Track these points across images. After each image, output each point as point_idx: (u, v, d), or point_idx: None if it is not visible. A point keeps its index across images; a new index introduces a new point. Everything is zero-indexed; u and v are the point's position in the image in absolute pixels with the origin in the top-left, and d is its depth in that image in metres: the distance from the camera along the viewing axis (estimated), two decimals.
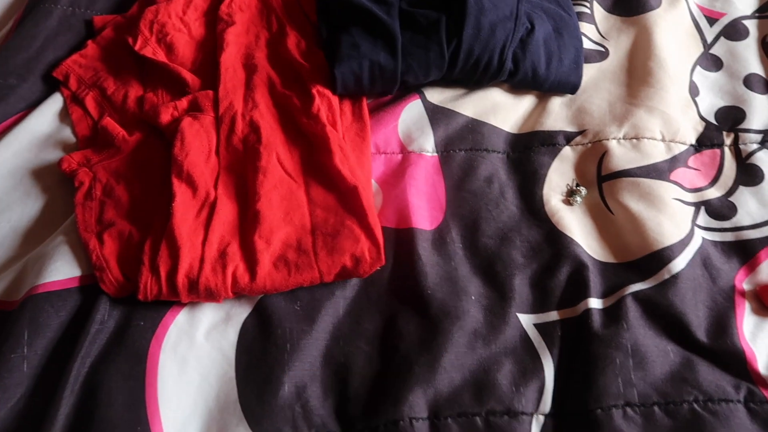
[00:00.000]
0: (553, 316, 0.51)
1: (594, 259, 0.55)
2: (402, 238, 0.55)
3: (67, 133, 0.62)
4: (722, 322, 0.51)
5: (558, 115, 0.63)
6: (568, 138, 0.61)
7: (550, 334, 0.50)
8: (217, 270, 0.50)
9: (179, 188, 0.53)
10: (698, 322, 0.50)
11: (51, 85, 0.65)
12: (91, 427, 0.46)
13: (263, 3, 0.68)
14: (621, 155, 0.59)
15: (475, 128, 0.61)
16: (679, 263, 0.52)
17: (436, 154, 0.60)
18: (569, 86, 0.63)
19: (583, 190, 0.58)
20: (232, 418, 0.48)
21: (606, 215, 0.57)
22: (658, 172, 0.58)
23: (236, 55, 0.63)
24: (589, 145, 0.61)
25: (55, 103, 0.63)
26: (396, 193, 0.57)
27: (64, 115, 0.63)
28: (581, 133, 0.62)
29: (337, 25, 0.62)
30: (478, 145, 0.60)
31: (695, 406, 0.48)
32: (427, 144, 0.60)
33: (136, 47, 0.63)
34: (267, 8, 0.67)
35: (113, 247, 0.52)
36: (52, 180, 0.59)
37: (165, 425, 0.47)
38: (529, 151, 0.61)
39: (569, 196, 0.58)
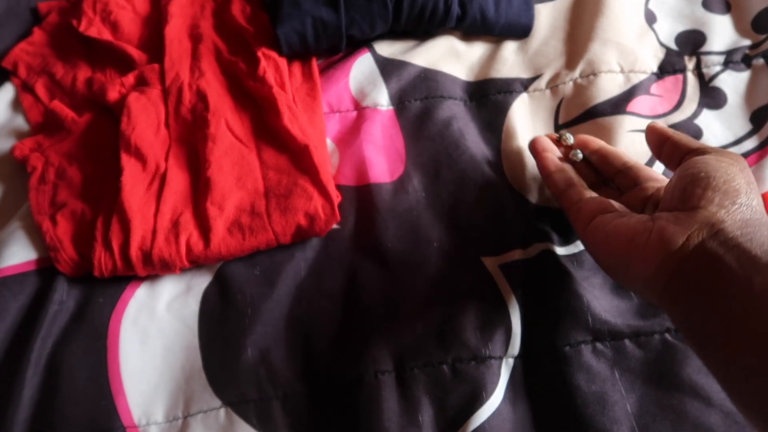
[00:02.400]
0: (516, 255, 0.50)
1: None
2: (361, 195, 0.54)
3: (20, 122, 0.62)
4: None
5: (513, 61, 0.61)
6: (525, 85, 0.60)
7: (514, 275, 0.49)
8: (170, 240, 0.49)
9: (128, 162, 0.53)
10: None
11: (1, 76, 0.64)
12: (55, 405, 0.46)
13: None
14: (577, 97, 0.58)
15: (428, 77, 0.59)
16: None
17: (391, 107, 0.59)
18: (521, 28, 0.61)
19: (569, 137, 0.55)
20: (197, 386, 0.47)
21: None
22: (614, 106, 0.56)
23: (181, 27, 0.62)
24: (547, 91, 0.59)
25: (6, 93, 0.63)
26: (352, 151, 0.56)
27: (16, 104, 0.62)
28: (538, 77, 0.60)
29: None
30: (433, 92, 0.59)
31: (666, 336, 0.47)
32: (381, 98, 0.59)
33: (81, 28, 0.62)
34: None
35: (67, 227, 0.52)
36: (8, 169, 0.59)
37: (129, 397, 0.46)
38: (486, 99, 0.59)
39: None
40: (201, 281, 0.51)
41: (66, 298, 0.50)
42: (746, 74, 0.58)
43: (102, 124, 0.58)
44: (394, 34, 0.61)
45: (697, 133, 0.55)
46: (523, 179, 0.54)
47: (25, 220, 0.54)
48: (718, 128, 0.55)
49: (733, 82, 0.58)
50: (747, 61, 0.59)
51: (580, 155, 0.52)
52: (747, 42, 0.60)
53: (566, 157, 0.52)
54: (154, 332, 0.49)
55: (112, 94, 0.57)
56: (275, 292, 0.50)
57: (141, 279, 0.51)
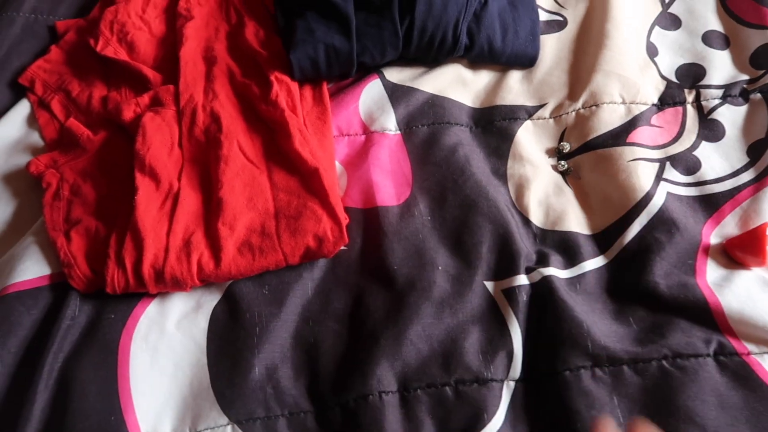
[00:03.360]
0: (518, 281, 0.51)
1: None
2: (368, 217, 0.56)
3: (36, 138, 0.63)
4: (686, 276, 0.51)
5: (518, 89, 0.63)
6: (530, 113, 0.62)
7: (515, 300, 0.50)
8: (182, 258, 0.51)
9: (142, 181, 0.54)
10: (661, 281, 0.50)
11: (18, 92, 0.66)
12: (66, 419, 0.46)
13: None
14: (580, 127, 0.60)
15: (435, 103, 0.61)
16: (634, 228, 0.53)
17: (398, 132, 0.60)
18: (527, 59, 0.63)
19: (564, 164, 0.58)
20: (205, 403, 0.48)
21: (569, 190, 0.58)
22: (615, 137, 0.58)
23: (196, 49, 0.63)
24: (551, 120, 0.61)
25: (22, 109, 0.64)
26: (360, 174, 0.58)
27: (32, 121, 0.64)
28: (542, 106, 0.62)
29: (294, 12, 0.62)
30: (440, 119, 0.61)
31: (664, 363, 0.48)
32: (389, 122, 0.60)
33: (98, 48, 0.64)
34: (225, 1, 0.68)
35: (81, 244, 0.53)
36: (23, 185, 0.60)
37: (138, 413, 0.47)
38: (491, 125, 0.61)
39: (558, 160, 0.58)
40: (210, 299, 0.53)
41: (78, 313, 0.51)
42: (744, 108, 0.60)
43: (116, 143, 0.59)
44: (404, 60, 0.63)
45: (696, 165, 0.57)
46: (528, 203, 0.56)
47: (39, 236, 0.55)
48: (717, 160, 0.57)
49: (731, 116, 0.59)
50: (745, 96, 0.60)
51: (567, 146, 0.54)
52: (745, 77, 0.61)
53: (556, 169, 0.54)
54: (163, 349, 0.50)
55: (128, 114, 0.59)
56: (283, 311, 0.51)
57: (152, 296, 0.53)
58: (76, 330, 0.50)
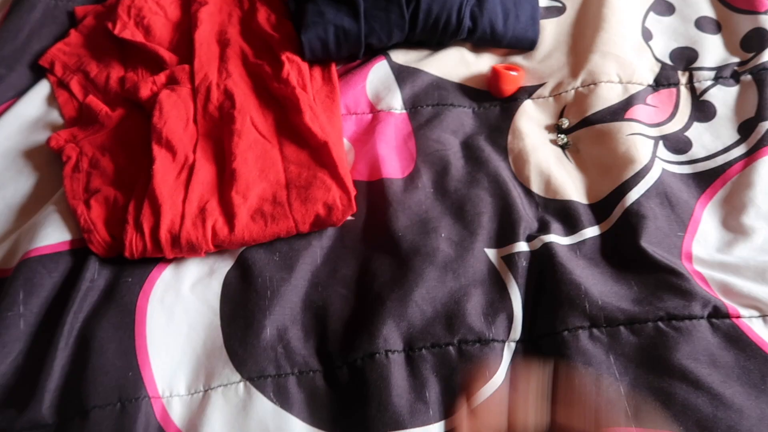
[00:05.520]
0: (518, 247, 0.53)
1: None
2: (374, 189, 0.58)
3: (55, 116, 0.66)
4: (677, 246, 0.53)
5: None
6: (530, 92, 0.64)
7: (515, 266, 0.53)
8: (198, 224, 0.53)
9: (159, 153, 0.56)
10: (651, 248, 0.52)
11: (38, 73, 0.68)
12: (85, 375, 0.49)
13: None
14: (579, 104, 0.62)
15: (440, 85, 0.64)
16: (632, 196, 0.55)
17: (404, 111, 0.63)
18: (527, 42, 0.66)
19: (563, 137, 0.60)
20: (218, 362, 0.50)
21: (568, 163, 0.60)
22: (613, 113, 0.60)
23: (210, 32, 0.66)
24: (550, 99, 0.64)
25: (42, 89, 0.67)
26: (367, 149, 0.60)
27: (52, 100, 0.67)
28: (541, 85, 0.64)
29: None
30: (444, 100, 0.63)
31: (659, 324, 0.49)
32: (395, 102, 0.63)
33: (116, 31, 0.67)
34: None
35: (100, 211, 0.55)
36: (43, 159, 0.63)
37: (155, 370, 0.50)
38: (493, 105, 0.64)
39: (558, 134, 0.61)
40: (223, 265, 0.55)
41: (97, 276, 0.53)
42: (735, 89, 0.62)
43: (133, 119, 0.62)
44: (410, 43, 0.66)
45: (687, 145, 0.60)
46: (529, 174, 0.58)
47: (59, 205, 0.57)
48: (708, 139, 0.60)
49: (722, 96, 0.62)
50: (736, 77, 0.63)
51: (566, 122, 0.58)
52: (736, 59, 0.64)
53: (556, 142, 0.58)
54: (179, 311, 0.52)
55: (144, 92, 0.62)
56: (293, 276, 0.53)
57: (167, 261, 0.55)
58: (96, 292, 0.53)
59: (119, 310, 0.52)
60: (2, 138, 0.63)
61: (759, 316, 0.49)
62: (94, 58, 0.67)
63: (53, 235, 0.55)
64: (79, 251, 0.55)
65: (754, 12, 0.66)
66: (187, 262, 0.55)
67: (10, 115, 0.65)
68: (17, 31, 0.69)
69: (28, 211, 0.60)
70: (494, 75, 0.63)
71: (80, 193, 0.57)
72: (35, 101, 0.66)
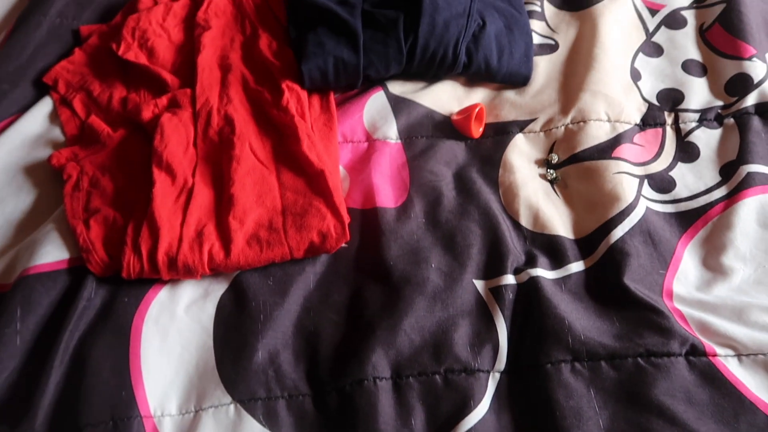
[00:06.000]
0: (505, 280, 0.55)
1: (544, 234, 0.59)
2: (367, 217, 0.60)
3: (57, 133, 0.67)
4: (659, 283, 0.55)
5: (511, 105, 0.68)
6: (521, 126, 0.66)
7: (502, 298, 0.54)
8: (195, 248, 0.54)
9: (159, 176, 0.58)
10: (633, 285, 0.54)
11: (41, 90, 0.70)
12: (79, 393, 0.50)
13: (237, 9, 0.73)
14: (568, 141, 0.64)
15: (434, 117, 0.66)
16: (617, 233, 0.57)
17: (399, 141, 0.65)
18: (520, 78, 0.68)
19: (552, 172, 0.63)
20: (210, 384, 0.52)
21: (556, 198, 0.62)
22: (601, 151, 0.63)
23: (212, 57, 0.68)
24: (541, 134, 0.66)
25: (45, 105, 0.68)
26: (362, 178, 0.62)
27: (54, 117, 0.68)
28: (533, 120, 0.67)
29: (305, 25, 0.67)
30: (438, 132, 0.65)
31: (639, 360, 0.51)
32: (391, 132, 0.65)
33: (120, 52, 0.68)
34: (241, 14, 0.73)
35: (99, 231, 0.56)
36: (43, 176, 0.64)
37: (148, 390, 0.51)
38: (486, 138, 0.66)
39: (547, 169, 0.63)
40: (218, 288, 0.56)
41: (94, 296, 0.55)
42: (718, 131, 0.65)
43: (134, 140, 0.63)
44: (406, 74, 0.68)
45: (671, 185, 0.62)
46: (518, 208, 0.60)
47: (59, 223, 0.59)
48: (691, 179, 0.62)
49: (706, 138, 0.64)
50: (719, 120, 0.66)
51: (556, 157, 0.60)
52: (720, 103, 0.67)
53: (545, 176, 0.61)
54: (173, 332, 0.53)
55: (146, 114, 0.63)
56: (286, 301, 0.55)
57: (163, 282, 0.56)
58: (92, 311, 0.54)
59: (115, 330, 0.53)
60: (4, 153, 0.64)
61: (734, 356, 0.51)
62: (97, 78, 0.69)
63: (52, 253, 0.56)
64: (76, 269, 0.56)
65: (739, 58, 0.68)
66: (183, 283, 0.56)
67: (13, 131, 0.66)
68: (22, 48, 0.71)
69: (27, 227, 0.61)
70: (456, 125, 0.66)
71: (80, 212, 0.58)
72: (38, 118, 0.67)
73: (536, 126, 0.66)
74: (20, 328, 0.52)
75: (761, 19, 0.71)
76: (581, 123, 0.65)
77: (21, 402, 0.49)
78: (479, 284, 0.56)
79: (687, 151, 0.64)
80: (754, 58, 0.68)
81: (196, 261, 0.54)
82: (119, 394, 0.50)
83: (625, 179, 0.61)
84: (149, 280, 0.56)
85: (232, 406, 0.50)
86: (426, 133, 0.65)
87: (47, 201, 0.62)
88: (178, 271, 0.54)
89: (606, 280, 0.56)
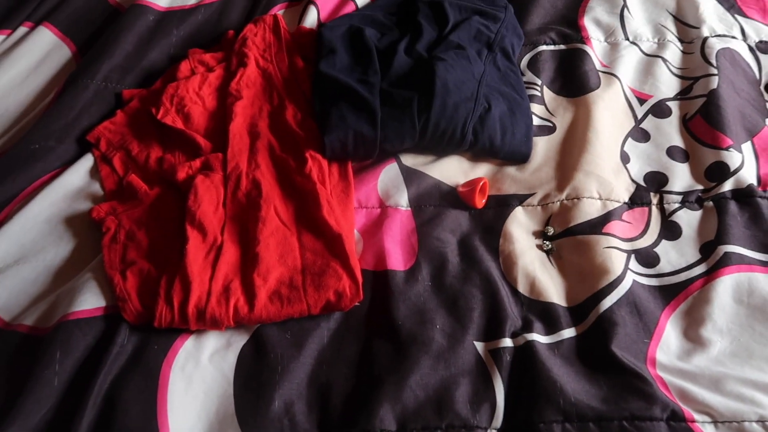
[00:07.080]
0: (503, 343, 0.60)
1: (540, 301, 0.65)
2: (378, 278, 0.65)
3: (96, 188, 0.73)
4: (643, 351, 0.61)
5: (512, 180, 0.75)
6: (521, 200, 0.73)
7: (500, 359, 0.59)
8: (222, 302, 0.60)
9: (192, 233, 0.64)
10: (620, 353, 0.59)
11: (84, 147, 0.76)
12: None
13: (267, 81, 0.80)
14: (563, 215, 0.71)
15: (442, 188, 0.73)
16: (606, 304, 0.63)
17: (409, 209, 0.71)
18: (521, 155, 0.75)
19: (548, 244, 0.69)
20: (229, 429, 0.56)
21: (551, 267, 0.68)
22: (593, 227, 0.69)
23: (243, 124, 0.75)
24: (538, 207, 0.72)
25: (86, 161, 0.74)
26: (374, 241, 0.68)
27: (94, 172, 0.74)
28: (532, 195, 0.73)
29: (328, 100, 0.74)
30: (444, 202, 0.72)
31: (624, 423, 0.56)
32: (402, 200, 0.71)
33: (159, 116, 0.75)
34: (270, 85, 0.80)
35: (134, 282, 0.62)
36: (82, 226, 0.69)
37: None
38: (488, 209, 0.72)
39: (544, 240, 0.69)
40: (239, 339, 0.61)
41: (126, 342, 0.59)
42: (698, 213, 0.71)
43: (168, 198, 0.69)
44: (417, 148, 0.75)
45: (655, 260, 0.68)
46: (516, 275, 0.66)
47: (96, 272, 0.64)
48: (674, 255, 0.68)
49: (687, 219, 0.71)
50: (700, 202, 0.72)
51: (552, 230, 0.66)
52: (700, 187, 0.74)
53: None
54: (197, 379, 0.58)
55: (181, 174, 0.69)
56: (302, 354, 0.60)
57: (190, 332, 0.61)
58: (124, 356, 0.59)
59: (144, 375, 0.57)
60: (47, 204, 0.70)
61: (711, 422, 0.56)
62: (136, 138, 0.76)
63: (90, 300, 0.61)
64: (111, 316, 0.61)
65: (718, 147, 0.76)
66: (208, 333, 0.61)
67: (56, 184, 0.72)
68: (69, 108, 0.77)
69: (65, 274, 0.66)
70: (462, 196, 0.72)
71: (117, 263, 0.64)
72: (79, 173, 0.73)
73: (534, 200, 0.73)
74: (59, 370, 0.57)
75: (738, 113, 0.79)
76: (575, 200, 0.71)
77: None
78: (479, 346, 0.61)
79: (670, 230, 0.70)
80: (731, 149, 0.75)
81: (222, 314, 0.59)
82: None
83: (614, 253, 0.67)
84: (177, 330, 0.61)
85: None
86: (434, 202, 0.72)
87: (85, 251, 0.68)
88: (205, 323, 0.59)
89: (595, 346, 0.61)
